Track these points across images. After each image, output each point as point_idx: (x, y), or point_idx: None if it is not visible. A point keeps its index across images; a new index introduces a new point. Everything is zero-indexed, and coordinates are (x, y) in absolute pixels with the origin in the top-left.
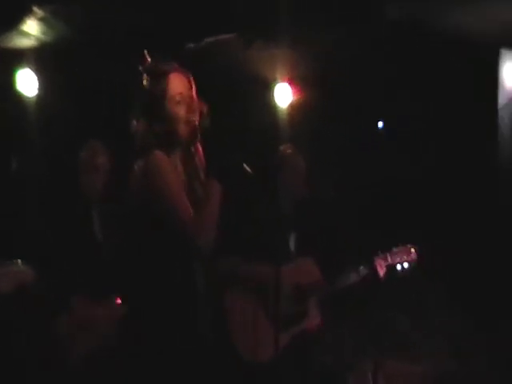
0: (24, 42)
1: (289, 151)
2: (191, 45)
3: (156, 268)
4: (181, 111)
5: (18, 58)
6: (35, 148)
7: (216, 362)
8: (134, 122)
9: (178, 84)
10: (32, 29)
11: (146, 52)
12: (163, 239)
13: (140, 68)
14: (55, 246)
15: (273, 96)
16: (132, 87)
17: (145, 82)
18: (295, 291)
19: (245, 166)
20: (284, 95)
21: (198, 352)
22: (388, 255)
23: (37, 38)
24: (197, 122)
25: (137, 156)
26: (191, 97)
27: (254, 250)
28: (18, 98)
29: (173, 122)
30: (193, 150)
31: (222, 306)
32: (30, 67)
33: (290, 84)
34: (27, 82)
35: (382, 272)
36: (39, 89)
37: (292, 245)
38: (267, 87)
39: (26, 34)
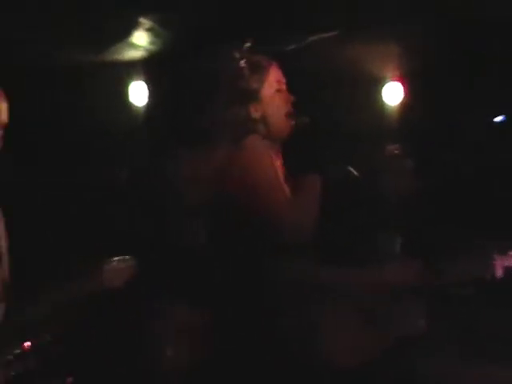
0: (133, 54)
1: (396, 152)
2: (293, 44)
3: (240, 267)
4: (280, 100)
5: (129, 69)
6: (145, 155)
7: (301, 366)
8: (224, 110)
9: (277, 76)
10: (140, 40)
11: (248, 44)
12: (249, 236)
13: (240, 60)
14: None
15: (381, 95)
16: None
17: (244, 72)
18: (394, 291)
19: (351, 168)
20: (394, 93)
21: (280, 355)
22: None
23: (145, 49)
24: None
25: (222, 145)
26: (288, 93)
27: (353, 253)
28: (129, 108)
29: (271, 109)
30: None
31: (315, 308)
32: (140, 78)
33: (400, 82)
34: (138, 93)
35: (499, 272)
36: (149, 98)
37: (396, 246)
38: (375, 85)
39: (134, 46)
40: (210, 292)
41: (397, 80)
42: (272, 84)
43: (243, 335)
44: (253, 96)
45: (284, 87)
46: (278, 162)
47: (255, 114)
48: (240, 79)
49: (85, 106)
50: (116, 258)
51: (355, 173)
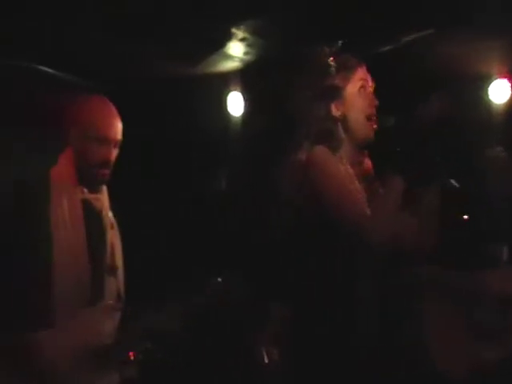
0: (229, 65)
1: (502, 154)
2: (387, 46)
3: (318, 268)
4: (363, 101)
5: (225, 80)
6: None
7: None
8: (306, 106)
9: (363, 77)
10: (234, 50)
11: (339, 44)
12: (329, 239)
13: (328, 57)
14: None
15: (487, 93)
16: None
17: (331, 69)
18: (503, 302)
19: (452, 181)
20: (500, 91)
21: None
22: None
23: (240, 60)
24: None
25: (297, 147)
26: (373, 95)
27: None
28: (226, 119)
29: (353, 110)
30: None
31: (417, 312)
32: (236, 88)
33: (507, 79)
34: (235, 104)
35: None
36: (245, 107)
37: (502, 252)
38: (481, 83)
39: (229, 57)
40: (301, 292)
41: (504, 77)
42: (357, 84)
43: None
44: (336, 93)
45: (369, 89)
46: (350, 167)
47: (336, 112)
48: (326, 75)
49: (183, 118)
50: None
51: (456, 185)
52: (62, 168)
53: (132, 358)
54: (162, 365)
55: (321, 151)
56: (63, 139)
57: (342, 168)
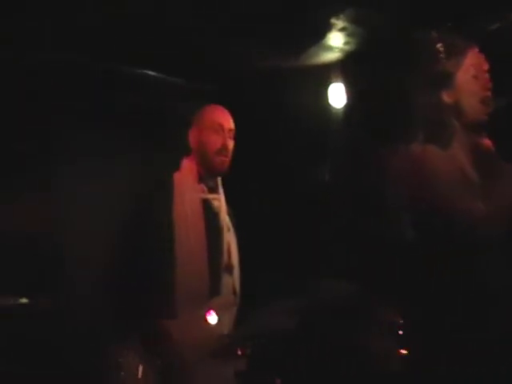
0: (329, 56)
1: None
2: (490, 24)
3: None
4: (476, 86)
5: (326, 71)
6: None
7: None
8: (417, 95)
9: (475, 60)
10: (335, 41)
11: (447, 26)
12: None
13: (437, 43)
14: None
15: None
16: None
17: (440, 56)
18: None
19: None
20: None
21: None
22: None
23: (340, 50)
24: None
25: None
26: (487, 76)
27: None
28: (327, 110)
29: (466, 96)
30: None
31: None
32: (338, 80)
33: None
34: (337, 95)
35: None
36: (347, 99)
37: None
38: None
39: (329, 48)
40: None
41: None
42: (469, 69)
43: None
44: (447, 81)
45: (483, 73)
46: (466, 155)
47: (448, 99)
48: (435, 63)
49: (284, 111)
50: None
51: None
52: (185, 170)
53: (244, 351)
54: (273, 360)
55: (431, 153)
56: (186, 144)
57: (452, 168)
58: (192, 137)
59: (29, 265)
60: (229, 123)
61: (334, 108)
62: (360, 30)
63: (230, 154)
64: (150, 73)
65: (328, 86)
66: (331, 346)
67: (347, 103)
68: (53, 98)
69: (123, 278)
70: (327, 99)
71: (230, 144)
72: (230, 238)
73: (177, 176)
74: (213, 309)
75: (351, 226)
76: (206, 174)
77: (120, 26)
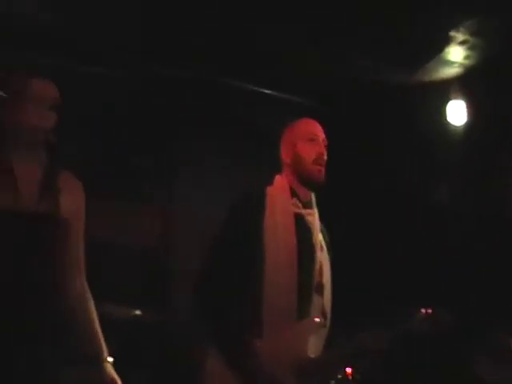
0: (448, 71)
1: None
2: None
3: None
4: None
5: (444, 88)
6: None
7: None
8: None
9: None
10: (454, 55)
11: None
12: None
13: None
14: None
15: None
16: None
17: None
18: None
19: None
20: None
21: None
22: None
23: (460, 65)
24: None
25: None
26: None
27: None
28: (446, 129)
29: None
30: None
31: None
32: (457, 97)
33: None
34: (456, 113)
35: None
36: (468, 117)
37: None
38: None
39: (448, 62)
40: None
41: None
42: None
43: None
44: None
45: None
46: None
47: None
48: None
49: (400, 127)
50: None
51: None
52: (278, 185)
53: (349, 374)
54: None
55: None
56: (279, 159)
57: None
58: (285, 150)
59: (143, 277)
60: (322, 134)
61: (452, 126)
62: (482, 43)
63: (325, 163)
64: (262, 90)
65: (447, 102)
66: (442, 373)
67: (468, 121)
68: (167, 112)
69: (211, 291)
70: (446, 117)
71: (325, 153)
72: (322, 257)
73: (269, 190)
74: (301, 330)
75: (470, 249)
76: (301, 188)
77: (229, 41)
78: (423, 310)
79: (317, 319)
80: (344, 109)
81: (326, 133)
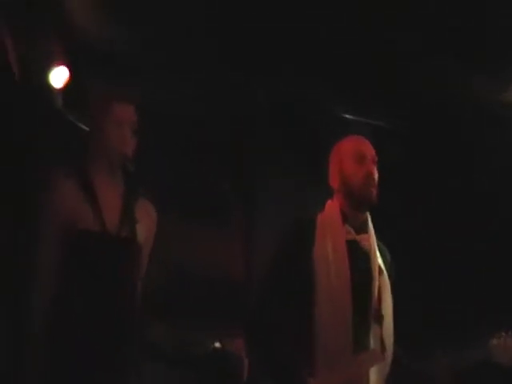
0: None
1: None
2: None
3: None
4: None
5: None
6: None
7: None
8: None
9: None
10: None
11: None
12: None
13: None
14: None
15: None
16: None
17: None
18: None
19: None
20: None
21: None
22: None
23: None
24: None
25: None
26: None
27: None
28: None
29: None
30: None
31: None
32: None
33: None
34: None
35: None
36: None
37: None
38: None
39: None
40: None
41: None
42: None
43: None
44: None
45: None
46: None
47: None
48: None
49: (491, 149)
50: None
51: None
52: (328, 212)
53: None
54: None
55: None
56: (330, 185)
57: None
58: (332, 173)
59: (223, 305)
60: (371, 150)
61: None
62: None
63: (376, 183)
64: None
65: None
66: None
67: None
68: (245, 138)
69: (261, 329)
70: None
71: (376, 173)
72: (381, 282)
73: (320, 217)
74: (358, 365)
75: None
76: (353, 212)
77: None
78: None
79: (376, 351)
80: (431, 125)
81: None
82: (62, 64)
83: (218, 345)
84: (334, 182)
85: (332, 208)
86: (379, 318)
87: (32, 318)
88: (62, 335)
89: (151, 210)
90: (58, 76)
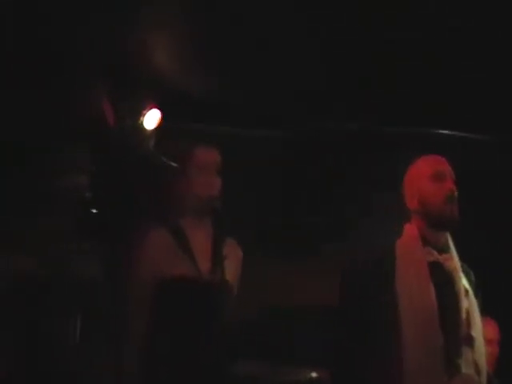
0: None
1: None
2: None
3: None
4: None
5: None
6: None
7: None
8: None
9: None
10: None
11: None
12: None
13: None
14: None
15: None
16: None
17: None
18: None
19: None
20: None
21: None
22: None
23: None
24: None
25: None
26: None
27: None
28: None
29: None
30: None
31: None
32: None
33: None
34: None
35: None
36: None
37: None
38: None
39: None
40: None
41: None
42: None
43: None
44: None
45: None
46: None
47: None
48: None
49: None
50: None
51: None
52: (407, 236)
53: None
54: None
55: None
56: (407, 207)
57: None
58: (409, 196)
59: (322, 335)
60: (448, 167)
61: None
62: None
63: (456, 200)
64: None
65: None
66: None
67: None
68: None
69: (347, 362)
70: None
71: (455, 189)
72: (468, 303)
73: (399, 243)
74: None
75: None
76: (433, 233)
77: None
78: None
79: (469, 375)
80: None
81: None
82: (154, 107)
83: (314, 375)
84: (411, 203)
85: (411, 231)
86: (470, 341)
87: (129, 361)
88: (157, 376)
89: (238, 249)
90: (151, 118)
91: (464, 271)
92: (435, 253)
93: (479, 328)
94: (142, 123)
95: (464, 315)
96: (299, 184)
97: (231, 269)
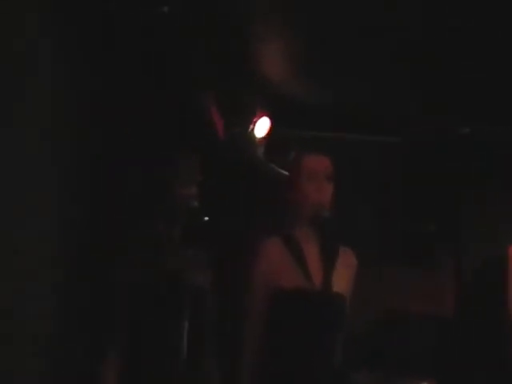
0: None
1: None
2: None
3: None
4: None
5: None
6: None
7: None
8: None
9: None
10: None
11: None
12: None
13: None
14: None
15: None
16: None
17: None
18: None
19: None
20: None
21: None
22: None
23: None
24: None
25: None
26: None
27: None
28: None
29: None
30: None
31: None
32: None
33: None
34: None
35: None
36: None
37: None
38: None
39: None
40: None
41: None
42: None
43: None
44: None
45: None
46: None
47: None
48: None
49: None
50: None
51: None
52: None
53: None
54: None
55: None
56: None
57: None
58: None
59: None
60: None
61: None
62: None
63: None
64: None
65: None
66: None
67: None
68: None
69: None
70: None
71: None
72: None
73: (511, 250)
74: None
75: None
76: None
77: None
78: None
79: None
80: None
81: None
82: (264, 115)
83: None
84: None
85: None
86: None
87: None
88: None
89: (352, 257)
90: (261, 126)
91: None
92: None
93: None
94: (252, 131)
95: None
96: (414, 190)
97: (344, 279)
